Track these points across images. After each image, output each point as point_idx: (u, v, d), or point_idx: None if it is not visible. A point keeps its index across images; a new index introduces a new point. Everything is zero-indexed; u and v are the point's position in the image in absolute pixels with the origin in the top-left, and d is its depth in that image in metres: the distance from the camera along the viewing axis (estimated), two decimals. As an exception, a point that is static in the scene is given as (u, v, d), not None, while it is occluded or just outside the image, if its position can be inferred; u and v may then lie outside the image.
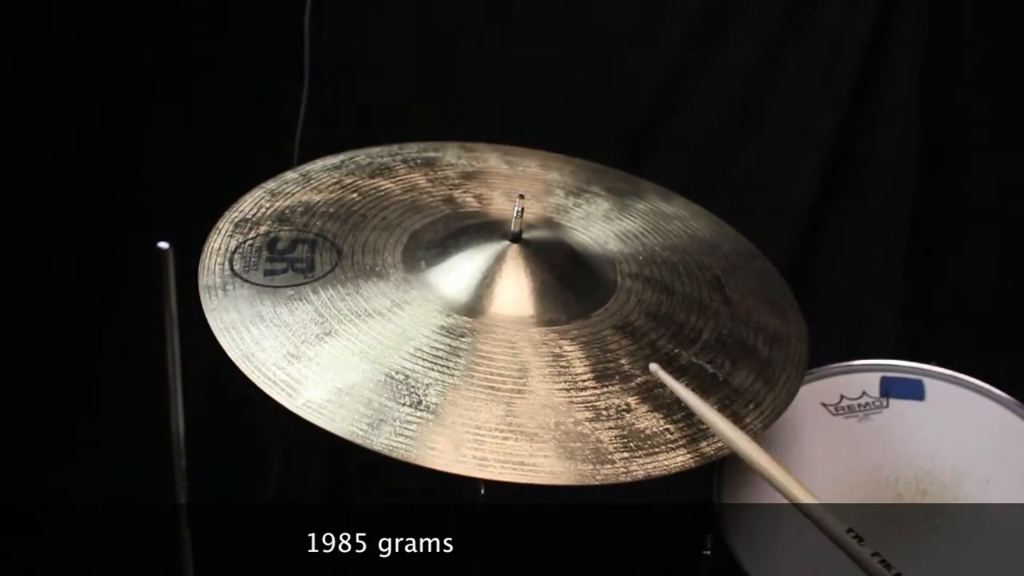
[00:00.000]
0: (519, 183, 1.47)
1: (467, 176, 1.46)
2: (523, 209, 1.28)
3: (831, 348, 1.58)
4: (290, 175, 1.42)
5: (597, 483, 1.08)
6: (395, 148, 1.50)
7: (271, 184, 1.39)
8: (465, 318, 1.21)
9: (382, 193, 1.40)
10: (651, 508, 2.02)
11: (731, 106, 1.98)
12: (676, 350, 1.23)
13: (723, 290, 1.34)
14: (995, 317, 1.98)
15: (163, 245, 1.05)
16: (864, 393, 1.54)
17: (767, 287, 1.40)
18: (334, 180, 1.41)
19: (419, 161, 1.48)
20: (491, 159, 1.52)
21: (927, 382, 1.56)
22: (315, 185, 1.40)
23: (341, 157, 1.46)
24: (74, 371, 1.94)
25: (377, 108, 1.97)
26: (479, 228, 1.33)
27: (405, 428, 1.08)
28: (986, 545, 1.37)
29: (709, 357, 1.23)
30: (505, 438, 1.09)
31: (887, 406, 1.53)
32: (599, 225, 1.42)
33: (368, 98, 1.97)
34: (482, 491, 1.45)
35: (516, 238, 1.29)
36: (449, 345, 1.17)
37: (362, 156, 1.47)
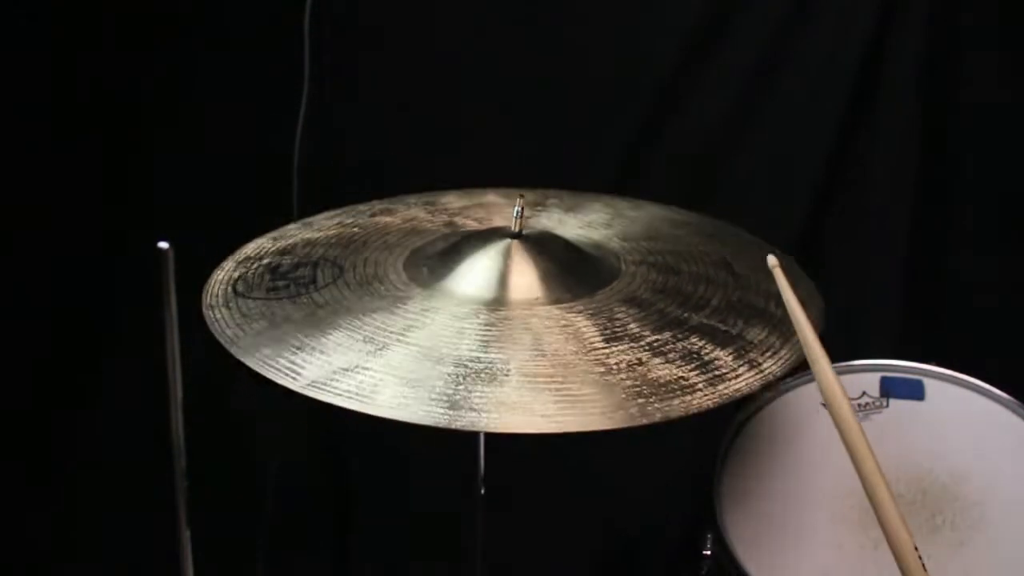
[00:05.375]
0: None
1: (466, 208, 1.51)
2: (523, 208, 1.29)
3: (831, 348, 1.58)
4: (292, 226, 1.47)
5: (614, 427, 1.09)
6: (395, 199, 1.55)
7: (273, 233, 1.44)
8: (476, 306, 1.24)
9: (381, 225, 1.44)
10: (651, 508, 2.02)
11: (730, 108, 1.98)
12: (685, 314, 1.24)
13: (731, 268, 1.35)
14: (995, 317, 1.98)
15: (163, 245, 1.05)
16: (864, 393, 1.54)
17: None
18: (335, 222, 1.46)
19: (419, 203, 1.53)
20: (489, 196, 1.55)
21: (927, 382, 1.56)
22: (316, 227, 1.45)
23: (343, 209, 1.51)
24: (74, 371, 1.94)
25: (377, 107, 1.97)
26: (480, 233, 1.36)
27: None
28: (986, 545, 1.37)
29: (721, 318, 1.24)
30: (517, 395, 1.11)
31: (887, 406, 1.53)
32: (600, 231, 1.44)
33: (368, 97, 1.97)
34: (482, 491, 1.46)
35: (517, 236, 1.31)
36: (463, 329, 1.20)
37: (362, 206, 1.52)
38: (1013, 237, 1.97)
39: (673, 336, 1.21)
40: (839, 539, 1.39)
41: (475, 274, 1.28)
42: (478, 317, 1.22)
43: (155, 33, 1.90)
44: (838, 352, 1.59)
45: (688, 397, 1.12)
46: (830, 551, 1.38)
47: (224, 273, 1.33)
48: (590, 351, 1.17)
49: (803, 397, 1.53)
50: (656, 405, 1.11)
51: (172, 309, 1.08)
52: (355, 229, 1.43)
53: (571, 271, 1.31)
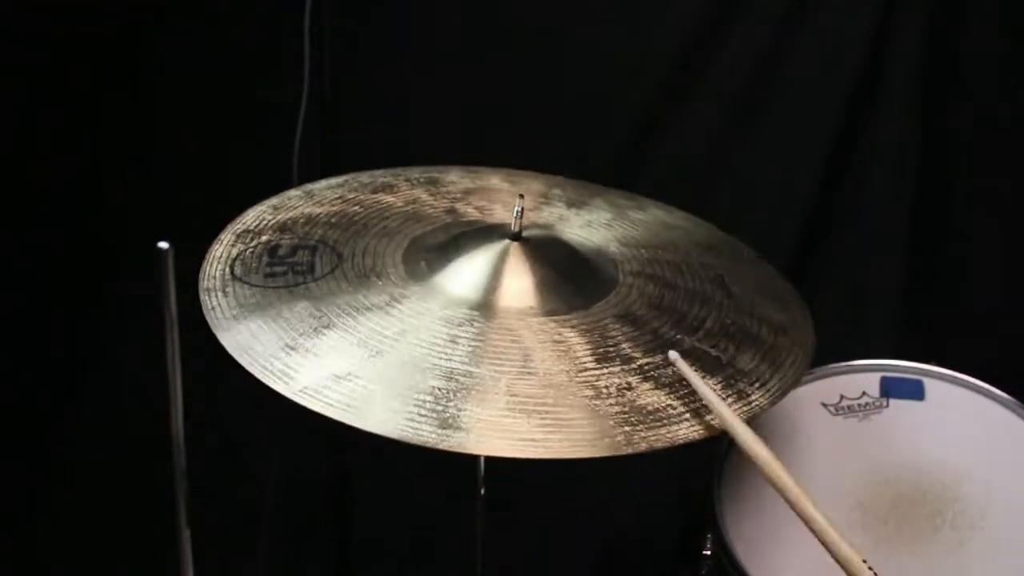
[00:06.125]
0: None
1: (469, 191, 1.48)
2: (523, 209, 1.29)
3: (831, 348, 1.58)
4: (293, 192, 1.43)
5: (600, 455, 1.07)
6: (398, 171, 1.51)
7: (274, 200, 1.41)
8: (470, 311, 1.22)
9: (383, 205, 1.41)
10: (651, 508, 2.02)
11: (731, 107, 1.98)
12: (679, 336, 1.23)
13: (726, 287, 1.34)
14: (995, 317, 1.98)
15: (163, 245, 1.05)
16: (864, 393, 1.54)
17: (771, 285, 1.40)
18: (336, 195, 1.42)
19: (422, 180, 1.49)
20: (493, 179, 1.53)
21: (927, 382, 1.56)
22: (318, 199, 1.41)
23: (344, 177, 1.48)
24: (74, 370, 1.94)
25: (378, 109, 1.97)
26: (480, 231, 1.34)
27: (417, 413, 1.09)
28: (986, 545, 1.37)
29: (713, 342, 1.23)
30: (504, 416, 1.09)
31: (887, 406, 1.53)
32: (601, 232, 1.43)
33: (369, 98, 1.97)
34: (482, 491, 1.45)
35: (516, 237, 1.29)
36: (456, 337, 1.18)
37: (365, 176, 1.49)
38: (1013, 237, 1.97)
39: (664, 360, 1.19)
40: (839, 539, 1.39)
41: (468, 277, 1.26)
42: (471, 325, 1.19)
43: (156, 33, 1.90)
44: (838, 352, 1.60)
45: (674, 427, 1.11)
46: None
47: (223, 248, 1.30)
48: (581, 371, 1.15)
49: (802, 397, 1.53)
50: (642, 434, 1.09)
51: (172, 309, 1.08)
52: (356, 208, 1.39)
53: (569, 279, 1.28)
